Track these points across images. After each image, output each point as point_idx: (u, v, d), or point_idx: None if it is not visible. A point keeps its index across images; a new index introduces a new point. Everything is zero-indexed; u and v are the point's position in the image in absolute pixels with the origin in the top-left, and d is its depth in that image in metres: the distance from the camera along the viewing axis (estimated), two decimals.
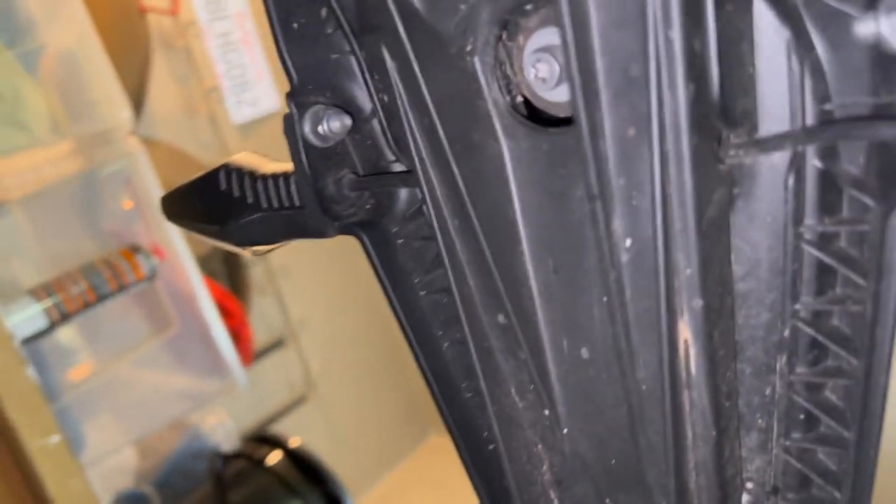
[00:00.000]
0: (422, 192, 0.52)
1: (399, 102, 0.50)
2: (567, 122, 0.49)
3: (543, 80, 0.46)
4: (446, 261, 0.52)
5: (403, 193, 0.60)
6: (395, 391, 3.28)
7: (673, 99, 0.39)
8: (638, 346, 0.45)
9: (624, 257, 0.43)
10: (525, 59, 0.48)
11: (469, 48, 0.49)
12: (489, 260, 0.50)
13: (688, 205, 0.40)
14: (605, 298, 0.48)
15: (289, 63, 0.56)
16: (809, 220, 0.41)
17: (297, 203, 0.62)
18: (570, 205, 0.48)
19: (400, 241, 0.60)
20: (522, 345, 0.51)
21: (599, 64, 0.40)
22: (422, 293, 0.60)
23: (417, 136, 0.50)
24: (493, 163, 0.50)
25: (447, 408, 0.60)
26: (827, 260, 0.42)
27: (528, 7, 0.47)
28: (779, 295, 0.43)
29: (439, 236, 0.52)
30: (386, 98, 0.52)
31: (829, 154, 0.40)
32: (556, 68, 0.46)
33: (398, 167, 0.60)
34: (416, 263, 0.60)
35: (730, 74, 0.39)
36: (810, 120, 0.40)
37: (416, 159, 0.51)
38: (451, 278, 0.52)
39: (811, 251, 0.42)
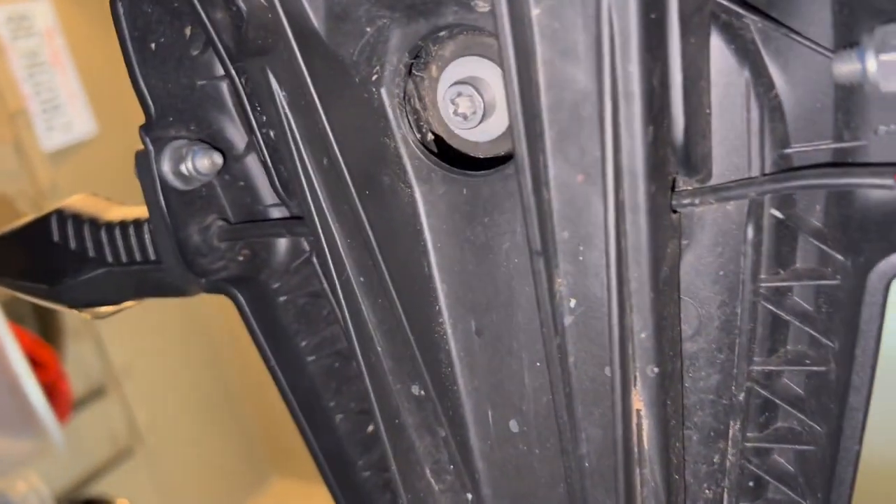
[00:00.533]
0: (316, 243, 0.44)
1: (290, 138, 0.42)
2: (490, 164, 0.43)
3: (464, 116, 0.40)
4: (349, 324, 0.44)
5: (283, 243, 0.52)
6: (232, 435, 3.08)
7: (631, 142, 0.34)
8: (582, 418, 0.39)
9: (568, 320, 0.38)
10: (441, 93, 0.42)
11: (375, 77, 0.42)
12: (403, 322, 0.43)
13: (644, 261, 0.35)
14: (538, 364, 0.42)
15: (144, 90, 0.47)
16: (765, 273, 0.38)
17: (152, 257, 0.52)
18: (495, 258, 0.42)
19: (282, 299, 0.51)
20: (441, 419, 0.44)
21: (544, 101, 0.35)
22: (310, 358, 0.52)
23: (314, 177, 0.42)
24: (404, 210, 0.43)
25: (340, 490, 0.52)
26: (785, 316, 0.38)
27: (444, 33, 0.41)
28: (730, 355, 0.40)
29: (340, 295, 0.44)
30: (272, 133, 0.44)
31: (786, 202, 0.37)
32: (480, 103, 0.40)
33: (277, 212, 0.52)
34: (302, 324, 0.52)
35: (691, 115, 0.34)
36: (769, 166, 0.36)
37: (311, 205, 0.43)
38: (356, 345, 0.45)
39: (766, 306, 0.38)
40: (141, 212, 0.53)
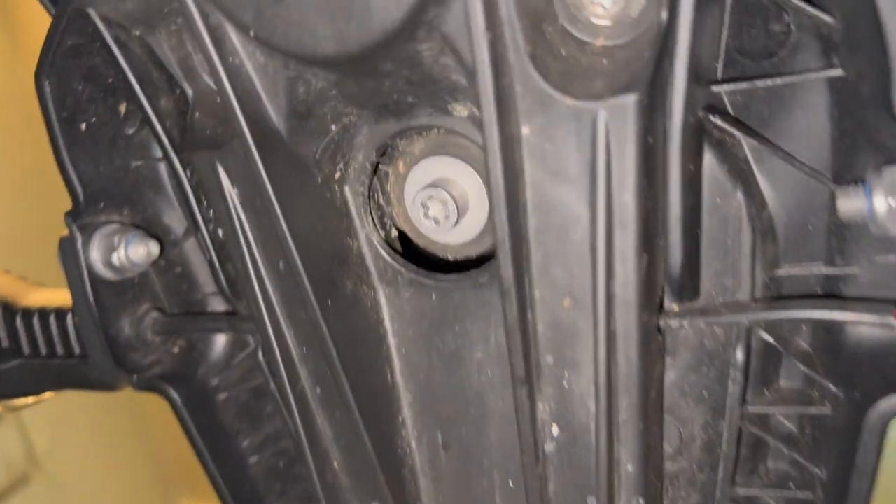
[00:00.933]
0: (267, 350, 0.40)
1: (241, 239, 0.38)
2: (462, 267, 0.40)
3: (436, 220, 0.37)
4: (303, 439, 0.41)
5: (224, 335, 0.48)
6: (138, 457, 2.93)
7: (625, 271, 0.32)
8: None
9: (549, 446, 0.35)
10: (410, 194, 0.39)
11: (338, 175, 0.38)
12: (363, 435, 0.40)
13: (634, 390, 0.33)
14: (511, 483, 0.39)
15: (72, 174, 0.42)
16: (750, 393, 0.37)
17: (76, 350, 0.46)
18: (466, 369, 0.39)
19: (222, 397, 0.47)
20: None
21: (532, 223, 0.32)
22: (252, 459, 0.48)
23: (267, 282, 0.39)
24: (367, 315, 0.39)
25: None
26: (770, 440, 0.37)
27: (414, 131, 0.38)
28: (712, 475, 0.38)
29: (294, 408, 0.40)
30: (221, 231, 0.40)
31: (774, 325, 0.36)
32: (454, 208, 0.37)
33: (217, 301, 0.48)
34: (244, 422, 0.48)
35: (686, 240, 0.32)
36: (759, 288, 0.35)
37: (263, 312, 0.39)
38: (310, 461, 0.41)
39: (750, 428, 0.37)
40: (63, 298, 0.48)
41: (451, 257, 0.40)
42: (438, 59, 0.32)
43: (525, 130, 0.31)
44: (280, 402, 0.44)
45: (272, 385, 0.46)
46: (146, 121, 0.38)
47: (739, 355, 0.35)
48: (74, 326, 0.46)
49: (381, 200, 0.40)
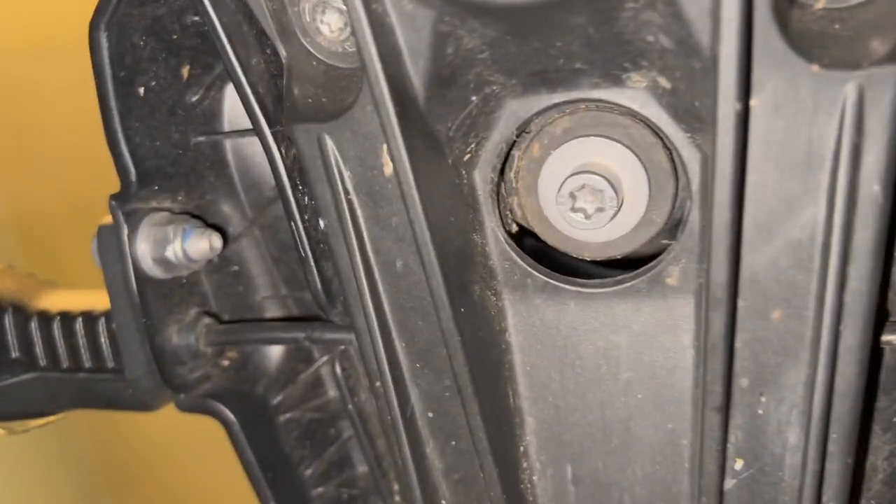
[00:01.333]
0: (372, 363, 0.34)
1: (351, 231, 0.31)
2: (603, 271, 0.34)
3: (585, 214, 0.31)
4: (412, 472, 0.34)
5: (279, 348, 0.40)
6: (63, 463, 2.77)
7: (859, 276, 0.26)
8: None
9: (728, 483, 0.30)
10: (547, 180, 0.32)
11: (468, 157, 0.32)
12: (490, 469, 0.33)
13: (848, 419, 0.28)
14: None
15: (125, 149, 0.34)
16: None
17: (108, 364, 0.39)
18: (609, 391, 0.33)
19: (284, 418, 0.40)
20: None
21: (748, 216, 0.27)
22: (316, 491, 0.41)
23: (380, 284, 0.32)
24: (489, 325, 0.33)
25: None
26: None
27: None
28: None
29: (402, 435, 0.34)
30: (323, 222, 0.33)
31: None
32: (613, 200, 0.31)
33: (275, 306, 0.40)
34: (307, 448, 0.41)
35: None
36: None
37: (371, 319, 0.32)
38: (419, 500, 0.34)
39: None
40: (87, 300, 0.40)
41: (587, 257, 0.34)
42: (639, 14, 0.26)
43: (753, 102, 0.25)
44: (359, 429, 0.37)
45: (349, 406, 0.39)
46: (236, 86, 0.31)
47: None
48: (108, 334, 0.38)
49: (503, 190, 0.34)
